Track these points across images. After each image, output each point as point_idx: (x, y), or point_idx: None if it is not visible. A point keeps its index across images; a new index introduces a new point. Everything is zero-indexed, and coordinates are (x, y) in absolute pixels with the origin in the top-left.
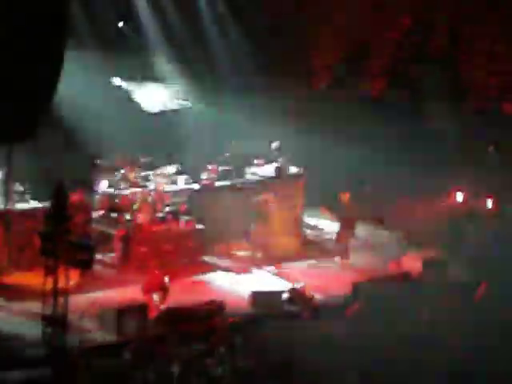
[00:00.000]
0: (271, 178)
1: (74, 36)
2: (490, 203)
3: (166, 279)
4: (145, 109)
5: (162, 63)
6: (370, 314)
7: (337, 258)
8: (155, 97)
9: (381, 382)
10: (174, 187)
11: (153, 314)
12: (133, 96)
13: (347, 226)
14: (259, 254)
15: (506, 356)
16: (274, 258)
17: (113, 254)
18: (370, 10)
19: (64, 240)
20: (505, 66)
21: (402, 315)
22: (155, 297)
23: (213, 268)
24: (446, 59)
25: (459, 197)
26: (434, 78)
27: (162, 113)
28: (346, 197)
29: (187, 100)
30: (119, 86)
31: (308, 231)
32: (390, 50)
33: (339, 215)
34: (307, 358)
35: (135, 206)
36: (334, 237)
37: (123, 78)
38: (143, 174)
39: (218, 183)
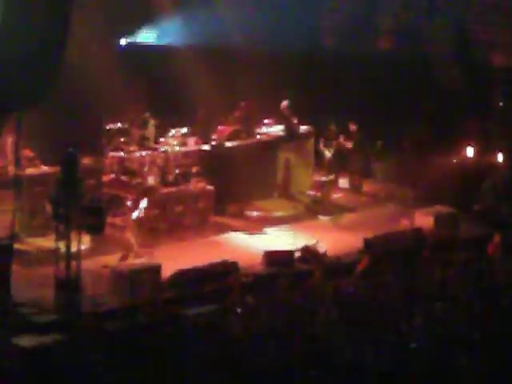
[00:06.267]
0: (282, 137)
1: None
2: (500, 157)
3: None
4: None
5: None
6: None
7: (349, 215)
8: None
9: None
10: (184, 148)
11: None
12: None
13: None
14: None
15: None
16: (286, 217)
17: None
18: None
19: (75, 204)
20: None
21: None
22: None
23: (225, 229)
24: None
25: (470, 152)
26: (444, 34)
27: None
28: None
29: None
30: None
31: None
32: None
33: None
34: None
35: (145, 169)
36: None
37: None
38: (153, 135)
39: (228, 143)
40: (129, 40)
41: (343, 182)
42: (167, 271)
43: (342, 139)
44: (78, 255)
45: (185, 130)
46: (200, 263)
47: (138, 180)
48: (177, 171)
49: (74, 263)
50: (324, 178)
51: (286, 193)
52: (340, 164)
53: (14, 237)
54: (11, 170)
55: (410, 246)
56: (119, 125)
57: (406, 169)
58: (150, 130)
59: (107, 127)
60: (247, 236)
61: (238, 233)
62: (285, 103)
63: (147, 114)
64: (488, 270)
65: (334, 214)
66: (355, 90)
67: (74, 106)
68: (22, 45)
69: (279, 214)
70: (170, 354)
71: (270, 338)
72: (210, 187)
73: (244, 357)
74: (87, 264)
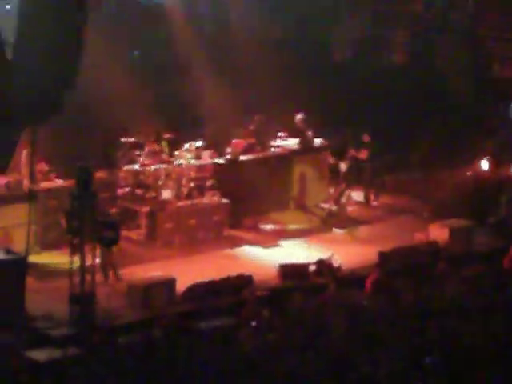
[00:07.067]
0: (297, 150)
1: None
2: None
3: None
4: None
5: None
6: None
7: (364, 228)
8: None
9: None
10: (199, 162)
11: None
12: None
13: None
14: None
15: None
16: (301, 230)
17: (138, 231)
18: None
19: (89, 218)
20: None
21: None
22: None
23: (240, 242)
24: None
25: (485, 164)
26: (455, 50)
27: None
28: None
29: None
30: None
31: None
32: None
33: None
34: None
35: (160, 182)
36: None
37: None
38: (168, 149)
39: (243, 157)
40: (141, 51)
41: (358, 195)
42: (182, 285)
43: (352, 150)
44: (93, 269)
45: (199, 143)
46: (215, 276)
47: (153, 193)
48: (191, 184)
49: (88, 277)
50: (339, 191)
51: (301, 206)
52: (354, 177)
53: (28, 250)
54: (26, 183)
55: (425, 259)
56: (133, 138)
57: (420, 182)
58: (165, 144)
59: (122, 140)
60: (262, 249)
61: (252, 246)
62: (299, 116)
63: (161, 128)
64: (504, 283)
65: (349, 226)
66: (368, 103)
67: (88, 120)
68: (35, 60)
69: (294, 227)
70: (185, 368)
71: (284, 351)
72: (224, 200)
73: (259, 370)
74: (101, 277)
